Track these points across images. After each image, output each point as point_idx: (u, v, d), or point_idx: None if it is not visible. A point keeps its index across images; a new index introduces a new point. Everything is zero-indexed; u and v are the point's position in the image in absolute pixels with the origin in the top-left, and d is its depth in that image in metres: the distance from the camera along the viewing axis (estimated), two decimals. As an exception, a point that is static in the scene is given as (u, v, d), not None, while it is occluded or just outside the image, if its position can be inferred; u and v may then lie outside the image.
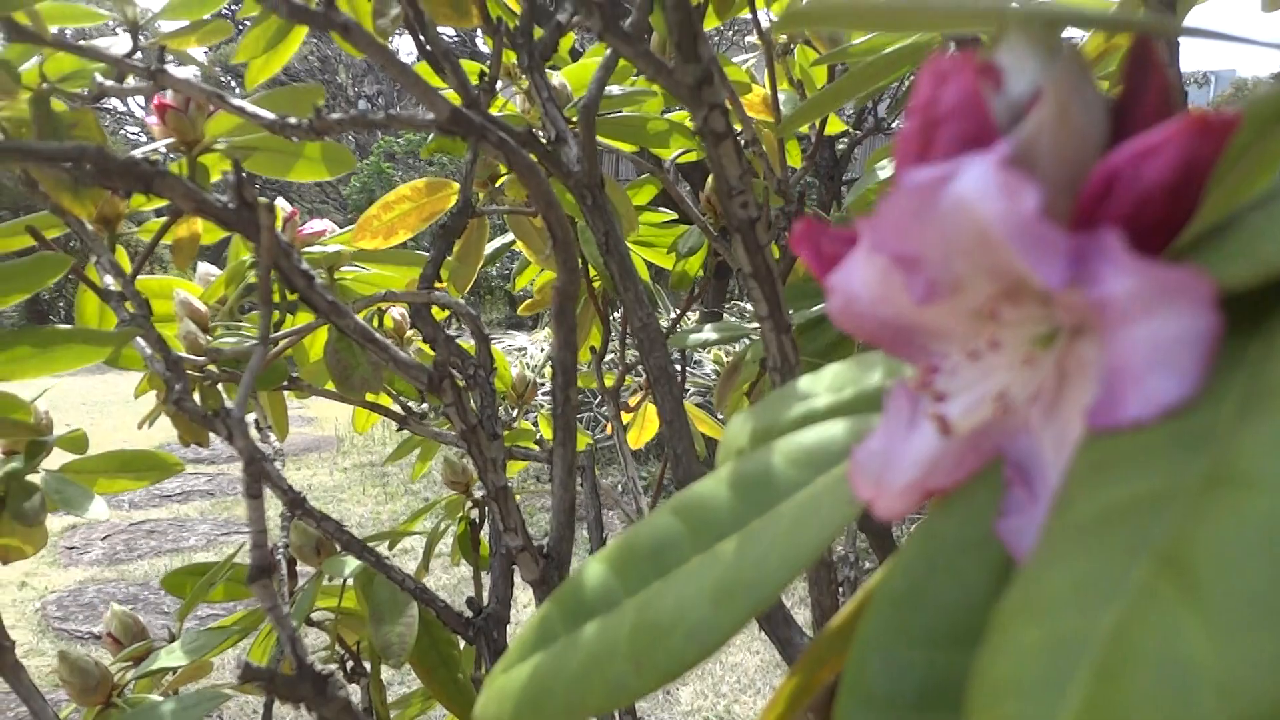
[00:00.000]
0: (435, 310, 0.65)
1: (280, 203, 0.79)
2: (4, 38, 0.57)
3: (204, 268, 0.83)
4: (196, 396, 0.70)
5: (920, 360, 0.18)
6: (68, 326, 0.59)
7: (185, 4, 0.66)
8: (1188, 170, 0.15)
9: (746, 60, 0.97)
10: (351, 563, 0.72)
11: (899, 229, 0.16)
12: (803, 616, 2.47)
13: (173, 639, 0.74)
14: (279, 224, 0.76)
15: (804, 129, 0.95)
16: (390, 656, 0.70)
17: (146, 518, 3.98)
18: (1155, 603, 0.10)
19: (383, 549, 0.73)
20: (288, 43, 0.72)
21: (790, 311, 0.58)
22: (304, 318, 0.75)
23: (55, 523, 3.49)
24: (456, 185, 0.77)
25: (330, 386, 0.76)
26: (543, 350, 4.48)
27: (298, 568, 0.81)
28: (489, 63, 0.65)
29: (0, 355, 0.55)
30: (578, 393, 0.65)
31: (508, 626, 0.69)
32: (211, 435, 0.69)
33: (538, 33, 0.67)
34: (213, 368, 0.72)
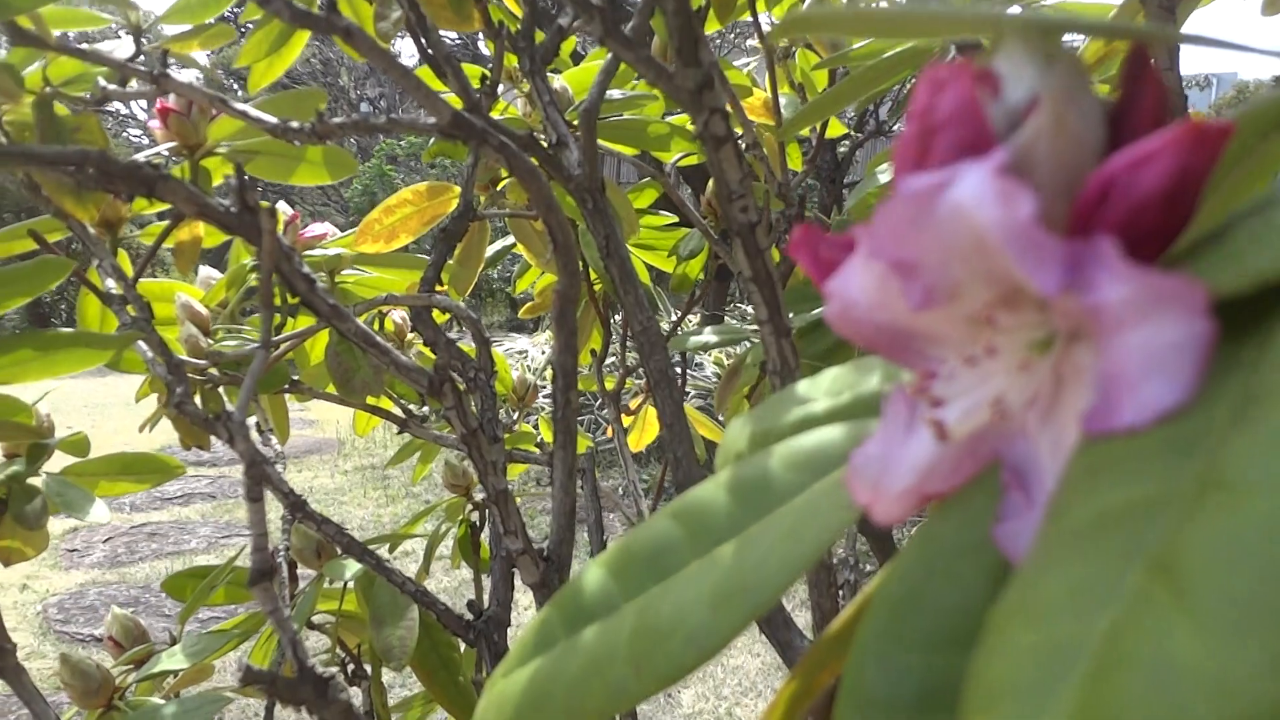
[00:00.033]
0: (436, 313, 0.65)
1: (282, 206, 0.79)
2: (7, 41, 0.58)
3: (205, 271, 0.83)
4: (198, 399, 0.71)
5: (918, 365, 0.18)
6: (69, 330, 0.59)
7: (188, 8, 0.66)
8: (1182, 178, 0.15)
9: (748, 64, 0.97)
10: (352, 566, 0.72)
11: (896, 235, 0.16)
12: (803, 619, 2.46)
13: (174, 642, 0.74)
14: (280, 228, 0.76)
15: (805, 132, 0.95)
16: (391, 659, 0.70)
17: (148, 520, 3.98)
18: (1148, 606, 0.10)
19: (383, 552, 0.73)
20: (290, 47, 0.73)
21: (790, 315, 0.58)
22: (305, 321, 0.75)
23: (56, 525, 3.50)
24: (458, 189, 0.77)
25: (331, 390, 0.76)
26: (544, 353, 4.49)
27: (299, 571, 0.81)
28: (490, 66, 0.65)
29: (2, 358, 0.55)
30: (578, 396, 0.65)
31: (508, 629, 0.70)
32: (213, 438, 0.69)
33: (539, 36, 0.67)
34: (214, 371, 0.72)
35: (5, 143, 0.62)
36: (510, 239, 0.90)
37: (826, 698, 0.22)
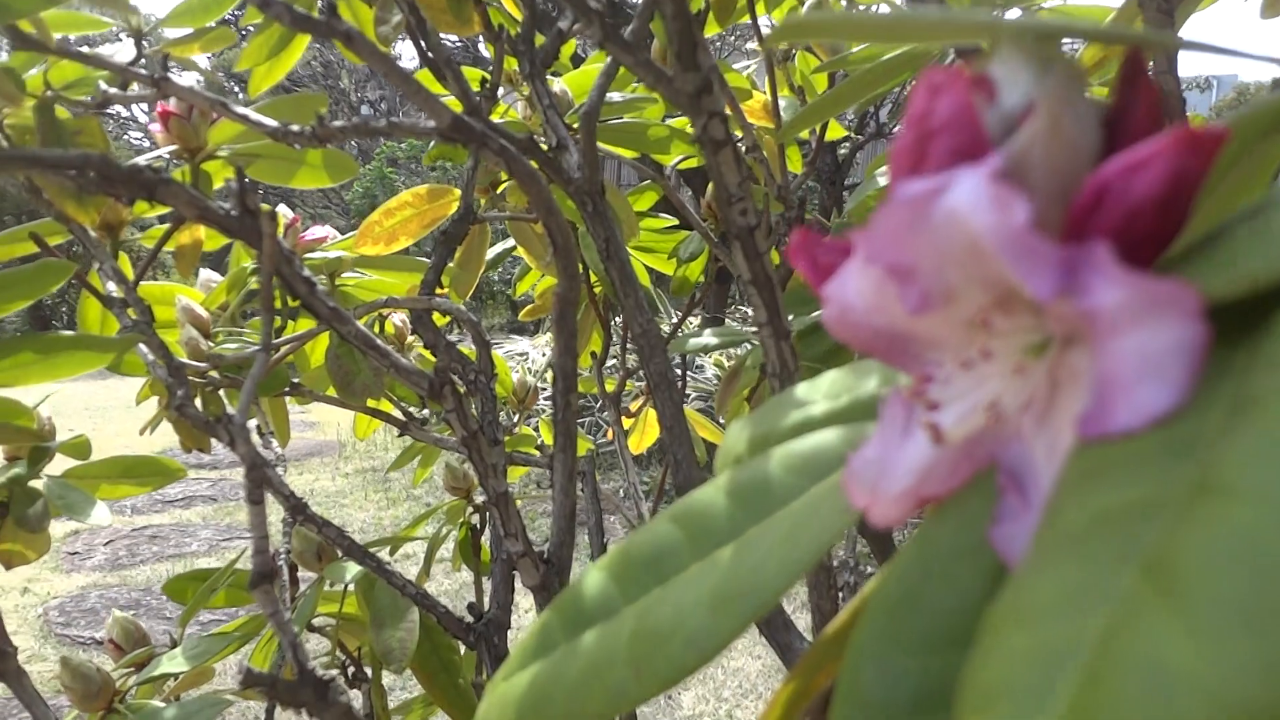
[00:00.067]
0: (436, 316, 0.65)
1: (282, 209, 0.79)
2: (9, 45, 0.58)
3: (206, 274, 0.83)
4: (198, 402, 0.71)
5: (914, 369, 0.18)
6: (71, 333, 0.59)
7: (189, 11, 0.66)
8: (1177, 183, 0.15)
9: (748, 66, 0.97)
10: (353, 568, 0.72)
11: (893, 240, 0.16)
12: (804, 621, 2.46)
13: (174, 645, 0.74)
14: (281, 231, 0.76)
15: (805, 134, 0.95)
16: (391, 662, 0.70)
17: (149, 523, 3.98)
18: (1141, 609, 0.10)
19: (384, 554, 0.73)
20: (290, 50, 0.73)
21: (790, 317, 0.58)
22: (305, 324, 0.75)
23: (57, 528, 3.50)
24: (458, 191, 0.78)
25: (332, 392, 0.76)
26: (544, 355, 4.49)
27: (299, 573, 0.81)
28: (491, 69, 0.65)
29: (4, 361, 0.55)
30: (579, 398, 0.65)
31: (508, 632, 0.70)
32: (213, 441, 0.69)
33: (539, 40, 0.67)
34: (215, 374, 0.72)
35: (7, 146, 0.62)
36: (510, 242, 0.90)
37: (823, 699, 0.22)
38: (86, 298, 0.73)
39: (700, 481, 0.23)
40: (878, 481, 0.18)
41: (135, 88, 0.63)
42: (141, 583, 3.36)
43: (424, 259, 0.81)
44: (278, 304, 0.65)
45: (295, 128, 0.52)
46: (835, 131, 0.99)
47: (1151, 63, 0.54)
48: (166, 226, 0.69)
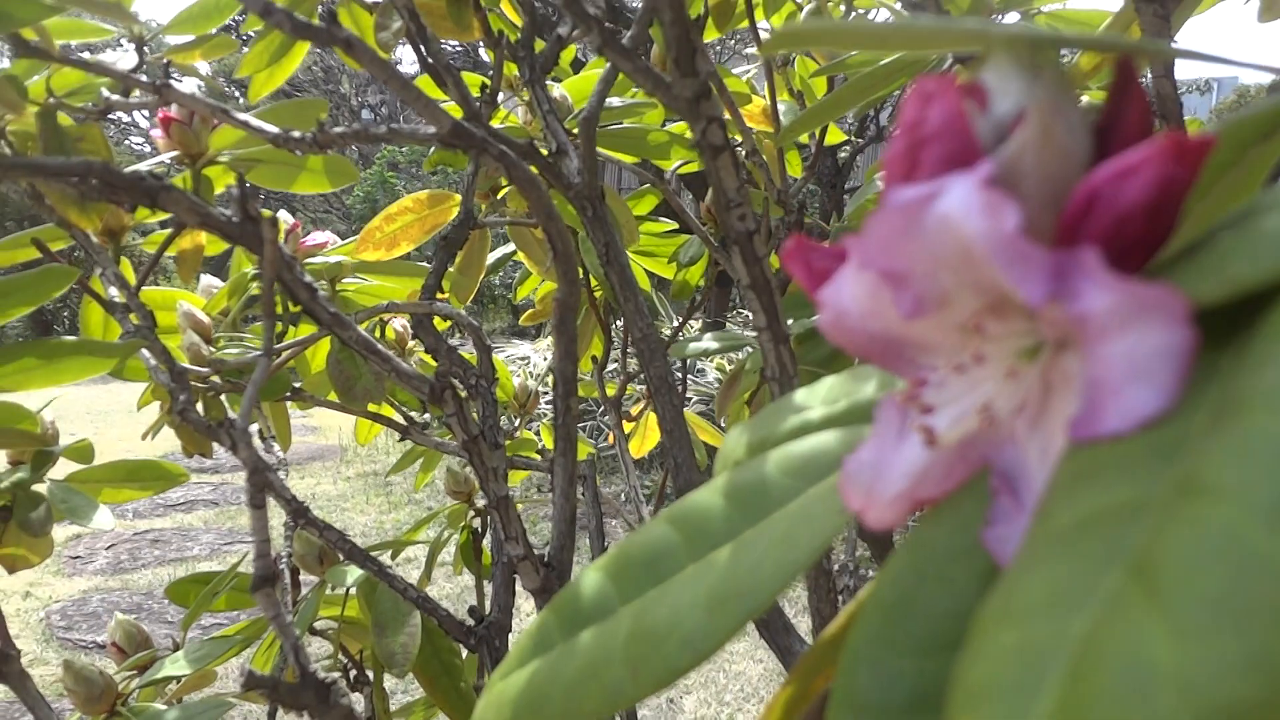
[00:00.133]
0: (437, 321, 0.65)
1: (283, 215, 0.80)
2: (11, 53, 0.58)
3: (207, 280, 0.83)
4: (200, 407, 0.71)
5: (909, 373, 0.18)
6: (73, 338, 0.59)
7: (190, 19, 0.66)
8: (1165, 189, 0.15)
9: (747, 71, 0.97)
10: (354, 572, 0.72)
11: (886, 246, 0.17)
12: (805, 625, 2.46)
13: (176, 648, 0.74)
14: (281, 236, 0.77)
15: (805, 139, 0.95)
16: (393, 665, 0.70)
17: (150, 527, 3.99)
18: (1125, 608, 0.11)
19: (386, 558, 0.73)
20: (291, 56, 0.73)
21: (790, 321, 0.58)
22: (307, 329, 0.75)
23: (59, 532, 3.49)
24: (458, 197, 0.78)
25: (333, 397, 0.77)
26: (545, 359, 4.49)
27: (301, 577, 0.82)
28: (491, 75, 0.66)
29: (7, 367, 0.55)
30: (580, 402, 0.66)
31: (510, 635, 0.70)
32: (215, 445, 0.69)
33: (539, 45, 0.68)
34: (216, 378, 0.72)
35: (9, 153, 0.63)
36: (511, 246, 0.91)
37: (821, 702, 0.22)
38: (88, 303, 0.73)
39: (700, 485, 0.23)
40: (873, 484, 0.18)
41: (137, 94, 0.63)
42: (143, 586, 3.36)
43: (425, 264, 0.81)
44: (279, 309, 0.65)
45: (296, 134, 0.53)
46: (835, 135, 1.00)
47: (1148, 67, 0.55)
48: (168, 232, 0.70)
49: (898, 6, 0.80)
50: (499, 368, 0.91)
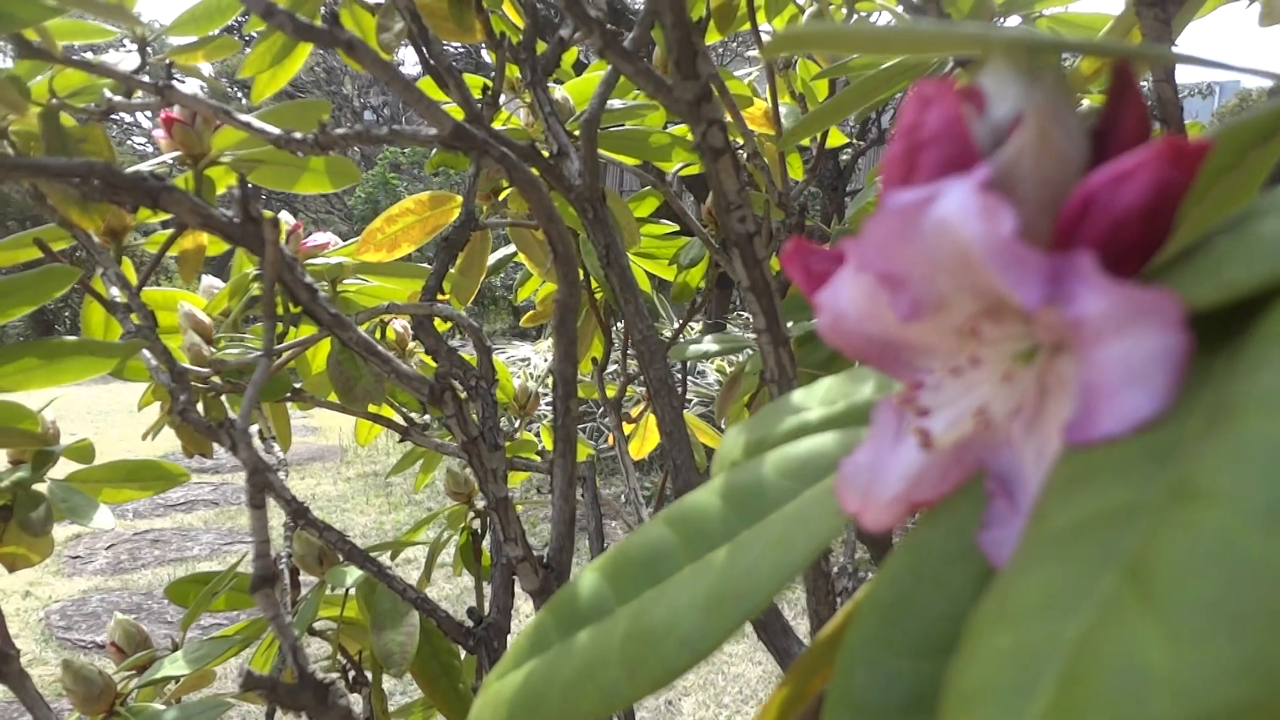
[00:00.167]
0: (438, 322, 0.65)
1: (284, 216, 0.80)
2: (14, 53, 0.58)
3: (208, 280, 0.84)
4: (201, 407, 0.71)
5: (906, 376, 0.18)
6: (74, 338, 0.59)
7: (193, 20, 0.66)
8: (1161, 193, 0.15)
9: (749, 73, 0.97)
10: (354, 573, 0.73)
11: (884, 249, 0.17)
12: (803, 627, 2.46)
13: (176, 648, 0.74)
14: (283, 237, 0.77)
15: (806, 141, 0.95)
16: (392, 666, 0.70)
17: (150, 527, 3.99)
18: (1118, 611, 0.11)
19: (385, 559, 0.73)
20: (293, 58, 0.73)
21: (790, 323, 0.58)
22: (307, 330, 0.76)
23: (59, 532, 3.49)
24: (460, 198, 0.78)
25: (333, 398, 0.77)
26: (546, 360, 4.49)
27: (300, 577, 0.82)
28: (493, 76, 0.66)
29: (8, 367, 0.55)
30: (580, 404, 0.66)
31: (508, 636, 0.70)
32: (215, 445, 0.69)
33: (541, 47, 0.68)
34: (217, 379, 0.72)
35: (12, 154, 0.63)
36: (512, 248, 0.91)
37: (818, 703, 0.22)
38: (90, 303, 0.73)
39: (699, 486, 0.23)
40: (869, 486, 0.18)
41: (139, 95, 0.63)
42: (143, 586, 3.36)
43: (426, 265, 0.81)
44: (280, 310, 0.65)
45: (298, 135, 0.53)
46: (836, 138, 1.00)
47: (1149, 71, 0.55)
48: (170, 232, 0.70)
49: (899, 9, 0.80)
50: (499, 369, 0.91)
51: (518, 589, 0.70)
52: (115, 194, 0.45)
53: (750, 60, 1.00)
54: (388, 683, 0.80)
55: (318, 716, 0.41)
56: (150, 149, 10.43)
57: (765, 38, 0.83)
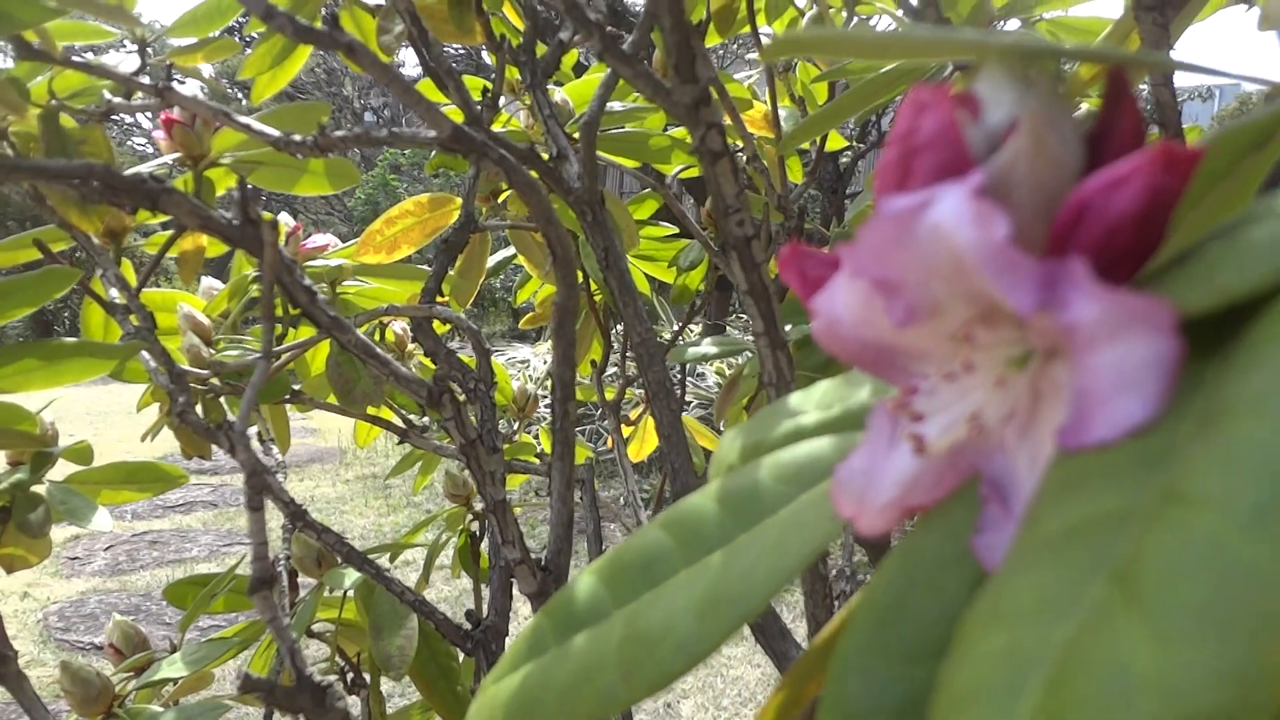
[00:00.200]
0: (437, 324, 0.65)
1: (284, 217, 0.80)
2: (14, 55, 0.58)
3: (207, 282, 0.84)
4: (199, 409, 0.71)
5: (900, 381, 0.18)
6: (73, 339, 0.60)
7: (193, 21, 0.67)
8: (1154, 200, 0.15)
9: (749, 76, 0.97)
10: (352, 575, 0.73)
11: (879, 255, 0.17)
12: (801, 630, 2.46)
13: (174, 650, 0.74)
14: (282, 239, 0.77)
15: (805, 144, 0.96)
16: (390, 668, 0.70)
17: (149, 528, 3.98)
18: (1107, 615, 0.11)
19: (384, 561, 0.73)
20: (293, 59, 0.73)
21: (788, 327, 0.59)
22: (306, 332, 0.76)
23: (58, 533, 3.49)
24: (459, 200, 0.78)
25: (332, 399, 0.77)
26: (546, 362, 4.50)
27: (299, 579, 0.82)
28: (492, 78, 0.66)
29: (7, 368, 0.55)
30: (578, 406, 0.66)
31: (506, 639, 0.70)
32: (214, 447, 0.69)
33: (541, 50, 0.68)
34: (216, 381, 0.72)
35: (12, 155, 0.63)
36: (511, 249, 0.91)
37: (813, 708, 0.22)
38: (89, 304, 0.74)
39: (696, 490, 0.23)
40: (864, 491, 0.18)
41: (139, 97, 0.63)
42: (141, 588, 3.36)
43: (425, 267, 0.81)
44: (279, 312, 0.65)
45: (297, 137, 0.53)
46: (836, 142, 1.00)
47: (1147, 74, 0.55)
48: (169, 233, 0.70)
49: (899, 13, 0.80)
50: (498, 371, 0.91)
51: (516, 591, 0.70)
52: (115, 195, 0.45)
53: (750, 63, 1.00)
54: (386, 685, 0.80)
55: (316, 719, 0.41)
56: (150, 150, 10.43)
57: (765, 41, 0.83)
